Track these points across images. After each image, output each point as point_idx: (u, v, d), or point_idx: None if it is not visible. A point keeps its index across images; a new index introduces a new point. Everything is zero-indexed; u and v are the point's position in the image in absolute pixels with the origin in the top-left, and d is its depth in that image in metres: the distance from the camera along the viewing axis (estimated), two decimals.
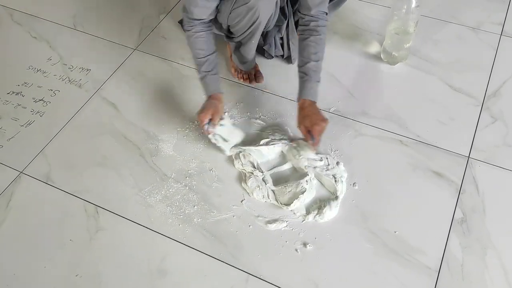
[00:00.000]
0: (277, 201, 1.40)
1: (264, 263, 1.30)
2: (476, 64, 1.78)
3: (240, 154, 1.48)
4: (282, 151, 1.51)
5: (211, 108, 1.45)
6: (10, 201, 1.44)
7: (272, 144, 1.50)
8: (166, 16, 2.00)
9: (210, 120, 1.44)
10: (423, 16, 1.90)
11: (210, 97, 1.48)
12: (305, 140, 1.46)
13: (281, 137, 1.54)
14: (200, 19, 1.44)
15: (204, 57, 1.46)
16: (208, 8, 1.42)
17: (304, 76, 1.45)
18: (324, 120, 1.41)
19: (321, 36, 1.46)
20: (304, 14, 1.47)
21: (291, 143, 1.51)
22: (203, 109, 1.45)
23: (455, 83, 1.71)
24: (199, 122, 1.46)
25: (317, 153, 1.48)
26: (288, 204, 1.38)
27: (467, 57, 1.80)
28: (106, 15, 2.02)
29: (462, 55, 1.81)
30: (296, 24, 1.66)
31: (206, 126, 1.44)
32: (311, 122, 1.40)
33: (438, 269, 1.28)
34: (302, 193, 1.37)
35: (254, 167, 1.46)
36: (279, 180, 1.46)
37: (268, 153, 1.50)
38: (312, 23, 1.45)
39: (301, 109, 1.44)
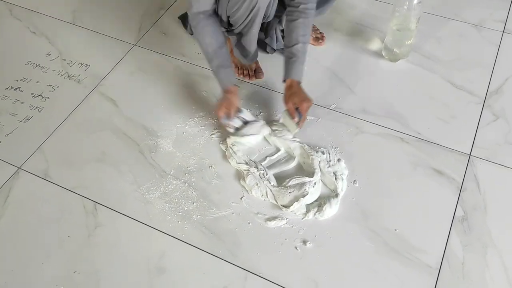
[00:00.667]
0: (276, 201, 1.39)
1: (263, 260, 1.29)
2: (478, 61, 1.77)
3: (231, 150, 1.48)
4: (289, 148, 1.51)
5: (225, 102, 1.47)
6: (8, 197, 1.43)
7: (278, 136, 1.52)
8: (166, 11, 1.99)
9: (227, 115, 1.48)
10: (425, 13, 1.89)
11: (224, 92, 1.49)
12: (291, 118, 1.49)
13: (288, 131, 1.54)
14: (204, 11, 1.44)
15: (213, 51, 1.46)
16: None
17: (293, 57, 1.49)
18: (310, 99, 1.47)
19: (309, 19, 1.51)
20: None
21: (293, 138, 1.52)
22: (218, 105, 1.48)
23: (457, 80, 1.70)
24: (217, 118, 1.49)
25: (294, 138, 1.52)
26: (287, 206, 1.37)
27: (469, 54, 1.79)
28: (105, 11, 2.01)
29: (464, 53, 1.80)
30: None
31: (223, 120, 1.47)
32: (299, 98, 1.46)
33: (439, 268, 1.27)
34: (304, 196, 1.36)
35: (247, 163, 1.45)
36: (282, 178, 1.44)
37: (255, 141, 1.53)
38: (302, 6, 1.48)
39: (289, 87, 1.49)
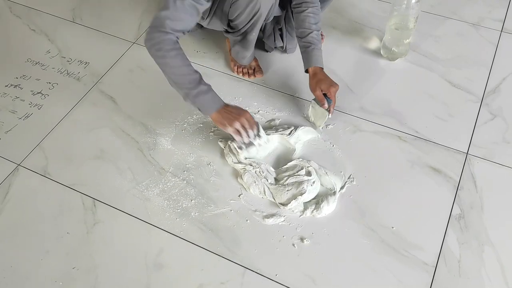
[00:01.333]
0: (274, 199, 1.40)
1: (261, 257, 1.30)
2: (476, 60, 1.77)
3: (228, 148, 1.48)
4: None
5: (240, 116, 1.37)
6: (7, 193, 1.44)
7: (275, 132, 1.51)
8: None
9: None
10: (424, 12, 1.89)
11: (227, 105, 1.39)
12: (320, 105, 1.48)
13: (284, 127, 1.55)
14: (184, 31, 1.34)
15: (196, 72, 1.36)
16: (196, 14, 1.33)
17: (310, 45, 1.49)
18: (337, 84, 1.47)
19: (318, 7, 1.51)
20: None
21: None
22: (239, 115, 1.36)
23: (455, 79, 1.71)
24: (245, 127, 1.37)
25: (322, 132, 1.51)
26: (285, 204, 1.37)
27: (467, 53, 1.80)
28: (105, 8, 2.02)
29: (462, 51, 1.80)
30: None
31: (244, 138, 1.39)
32: (326, 84, 1.45)
33: (435, 265, 1.28)
34: (301, 194, 1.36)
35: (243, 162, 1.45)
36: (278, 163, 1.48)
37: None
38: None
39: (314, 75, 1.49)
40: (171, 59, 1.32)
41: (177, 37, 1.34)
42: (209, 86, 1.37)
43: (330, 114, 1.49)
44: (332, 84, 1.46)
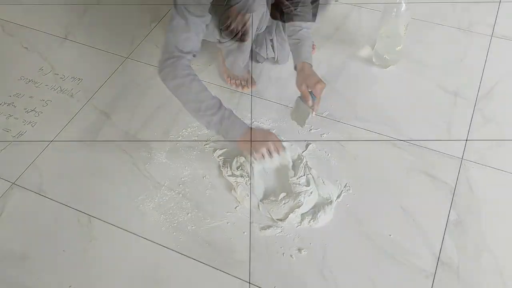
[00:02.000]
0: (269, 214, 1.38)
1: (258, 269, 1.29)
2: (467, 66, 1.78)
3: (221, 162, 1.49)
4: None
5: (270, 133, 1.42)
6: (2, 212, 1.43)
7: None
8: (157, 24, 2.00)
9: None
10: (414, 19, 1.90)
11: (247, 131, 1.39)
12: (304, 102, 1.43)
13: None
14: (193, 52, 1.35)
15: (215, 97, 1.35)
16: (201, 31, 1.35)
17: (298, 42, 1.47)
18: (323, 82, 1.41)
19: (308, 6, 1.49)
20: None
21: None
22: (264, 140, 1.39)
23: (447, 85, 1.72)
24: (270, 151, 1.40)
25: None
26: (282, 220, 1.36)
27: (459, 59, 1.81)
28: (97, 24, 2.02)
29: (454, 57, 1.82)
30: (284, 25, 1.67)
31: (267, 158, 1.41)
32: (312, 81, 1.40)
33: (434, 272, 1.27)
34: (299, 207, 1.36)
35: (234, 175, 1.45)
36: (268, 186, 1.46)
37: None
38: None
39: (301, 70, 1.44)
40: (188, 85, 1.31)
41: (189, 60, 1.34)
42: (230, 110, 1.37)
43: (314, 113, 1.43)
44: (319, 81, 1.40)
